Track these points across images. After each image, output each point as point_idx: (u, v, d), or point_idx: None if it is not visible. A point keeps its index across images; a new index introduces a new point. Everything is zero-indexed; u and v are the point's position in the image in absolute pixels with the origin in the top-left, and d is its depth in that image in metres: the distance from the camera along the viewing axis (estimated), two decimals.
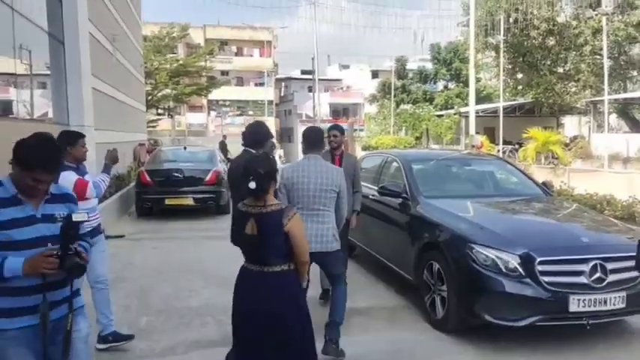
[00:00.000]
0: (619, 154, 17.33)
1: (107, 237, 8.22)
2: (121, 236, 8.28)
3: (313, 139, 4.03)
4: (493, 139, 24.23)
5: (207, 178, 10.54)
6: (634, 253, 4.10)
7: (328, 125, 5.31)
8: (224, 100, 47.68)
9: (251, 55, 50.66)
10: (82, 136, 3.93)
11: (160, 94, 34.57)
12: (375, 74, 50.83)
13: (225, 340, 4.29)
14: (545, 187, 5.80)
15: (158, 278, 6.08)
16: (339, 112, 50.25)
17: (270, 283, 2.76)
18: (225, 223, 10.27)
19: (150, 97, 31.69)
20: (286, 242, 2.75)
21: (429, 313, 4.61)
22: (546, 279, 3.91)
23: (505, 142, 23.35)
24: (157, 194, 10.23)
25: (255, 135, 3.96)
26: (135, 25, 17.97)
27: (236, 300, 2.91)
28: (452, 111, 31.92)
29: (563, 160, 18.61)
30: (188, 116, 48.01)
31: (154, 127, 36.09)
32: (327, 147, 4.82)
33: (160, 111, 39.09)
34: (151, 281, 5.95)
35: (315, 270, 3.85)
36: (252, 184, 2.73)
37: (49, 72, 8.33)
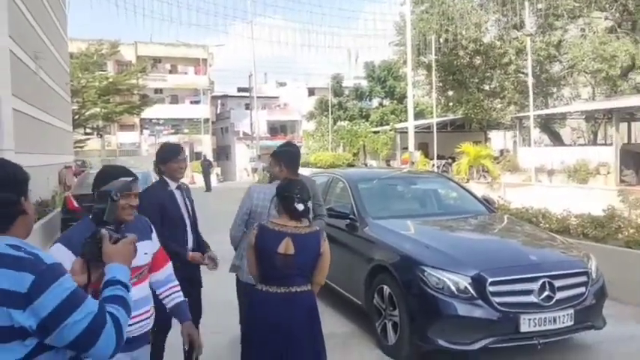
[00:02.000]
0: (544, 166, 18.24)
1: None
2: None
3: (297, 159, 3.84)
4: (427, 154, 24.96)
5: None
6: (579, 270, 4.21)
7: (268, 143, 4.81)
8: (158, 119, 46.25)
9: (186, 73, 49.59)
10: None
11: (87, 112, 33.02)
12: (311, 92, 51.27)
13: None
14: (488, 203, 5.88)
15: None
16: (276, 129, 50.10)
17: (299, 303, 2.81)
18: None
19: (77, 116, 30.18)
20: (315, 263, 2.87)
21: (381, 340, 4.48)
22: (497, 300, 3.89)
23: (439, 157, 24.10)
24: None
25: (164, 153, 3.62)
26: (60, 41, 17.05)
27: (257, 324, 2.81)
28: (387, 127, 32.65)
29: (494, 174, 19.42)
30: (119, 135, 46.15)
31: (81, 147, 34.40)
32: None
33: (88, 130, 37.34)
34: None
35: None
36: (301, 206, 2.84)
37: None
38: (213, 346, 4.57)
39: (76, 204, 9.62)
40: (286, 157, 3.76)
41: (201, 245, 3.64)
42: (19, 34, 9.98)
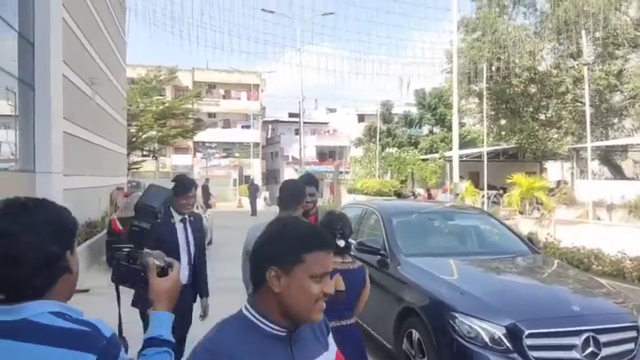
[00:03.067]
0: (603, 200, 17.25)
1: (75, 291, 7.82)
2: (86, 290, 7.76)
3: (288, 195, 3.34)
4: (477, 184, 24.21)
5: None
6: (629, 324, 3.81)
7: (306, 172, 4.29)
8: (210, 142, 47.55)
9: (238, 98, 50.96)
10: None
11: (144, 135, 34.34)
12: (361, 118, 51.38)
13: None
14: (532, 243, 5.51)
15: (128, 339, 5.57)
16: (325, 154, 50.37)
17: (348, 335, 2.83)
18: None
19: (134, 139, 31.42)
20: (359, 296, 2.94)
21: None
22: (535, 354, 3.55)
23: (489, 187, 23.31)
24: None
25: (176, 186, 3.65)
26: (118, 67, 17.85)
27: None
28: (436, 155, 32.06)
29: (548, 206, 18.51)
30: (173, 158, 47.71)
31: (137, 168, 35.67)
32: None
33: (144, 152, 38.79)
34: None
35: None
36: (342, 242, 2.87)
37: (13, 120, 8.00)
38: None
39: (120, 227, 9.82)
40: (282, 194, 3.40)
41: (200, 283, 3.74)
42: (74, 59, 10.47)
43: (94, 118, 12.84)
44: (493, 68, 22.26)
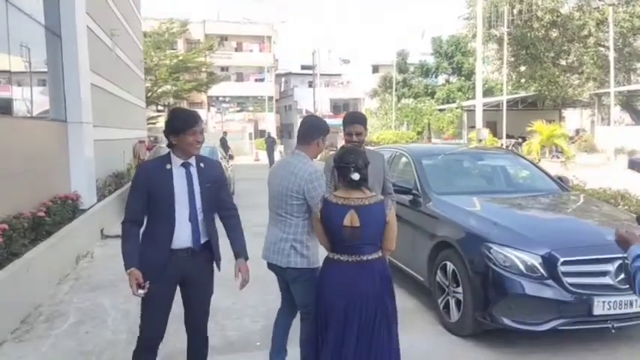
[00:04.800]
0: (624, 147, 17.10)
1: (107, 237, 8.13)
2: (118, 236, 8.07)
3: (302, 130, 3.23)
4: (495, 133, 24.04)
5: None
6: None
7: (345, 117, 3.86)
8: (224, 97, 47.40)
9: (251, 51, 50.33)
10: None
11: (159, 90, 34.33)
12: (375, 69, 50.59)
13: (228, 346, 4.11)
14: (562, 182, 5.59)
15: None
16: (339, 107, 49.99)
17: (370, 270, 2.79)
18: None
19: (150, 94, 31.45)
20: (382, 232, 2.83)
21: (443, 316, 4.40)
22: (569, 280, 3.70)
23: (508, 136, 23.14)
24: None
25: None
26: (135, 20, 17.69)
27: (331, 293, 2.81)
28: (454, 105, 31.71)
29: (568, 154, 18.41)
30: None
31: (153, 123, 35.87)
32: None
33: (160, 107, 38.87)
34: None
35: None
36: (356, 175, 2.77)
37: (46, 69, 8.09)
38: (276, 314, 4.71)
39: None
40: (299, 128, 3.30)
41: (233, 241, 2.99)
42: (96, 12, 10.44)
43: (115, 71, 12.88)
44: (514, 11, 21.66)
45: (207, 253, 2.91)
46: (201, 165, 2.87)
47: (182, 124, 2.78)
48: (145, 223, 2.85)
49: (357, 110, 46.81)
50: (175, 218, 2.77)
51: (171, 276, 2.83)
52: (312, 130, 3.21)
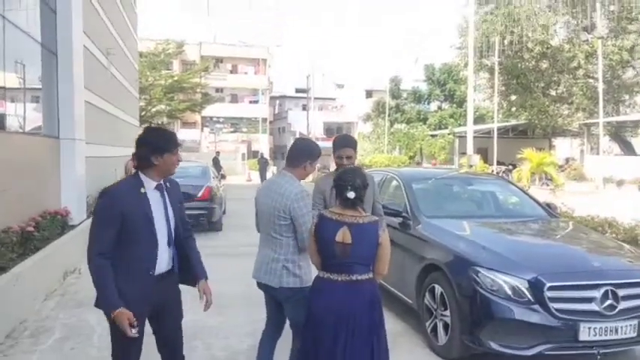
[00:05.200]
0: (612, 176, 17.32)
1: None
2: None
3: (290, 153, 3.29)
4: (486, 160, 24.28)
5: (200, 194, 10.32)
6: None
7: (335, 140, 3.89)
8: (218, 117, 47.63)
9: (245, 73, 50.82)
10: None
11: (153, 109, 34.44)
12: (369, 94, 51.16)
13: None
14: (550, 208, 5.66)
15: None
16: (332, 130, 50.28)
17: (360, 290, 2.80)
18: (217, 240, 10.07)
19: (144, 113, 31.52)
20: (374, 253, 2.82)
21: (431, 339, 4.40)
22: (556, 305, 3.73)
23: (498, 163, 23.38)
24: None
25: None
26: (131, 39, 17.87)
27: (320, 312, 2.82)
28: (446, 131, 32.05)
29: (557, 182, 18.60)
30: (181, 132, 47.80)
31: None
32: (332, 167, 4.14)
33: (153, 127, 38.92)
34: None
35: None
36: (352, 194, 2.80)
37: (40, 85, 8.14)
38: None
39: None
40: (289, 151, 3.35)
41: (193, 263, 2.89)
42: (92, 30, 10.55)
43: (109, 89, 12.96)
44: (505, 42, 22.12)
45: (176, 275, 2.82)
46: (168, 185, 2.75)
47: (168, 144, 2.65)
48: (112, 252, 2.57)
49: (349, 134, 47.07)
50: (158, 244, 2.64)
51: (150, 304, 2.67)
52: (300, 153, 3.26)
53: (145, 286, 2.60)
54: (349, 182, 2.83)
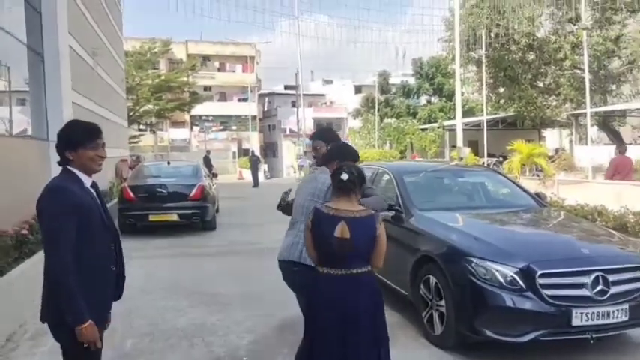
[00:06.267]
0: (602, 165, 17.48)
1: None
2: None
3: (326, 155, 3.60)
4: (477, 152, 24.41)
5: (192, 193, 10.31)
6: (635, 264, 4.06)
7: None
8: (207, 116, 47.42)
9: (233, 71, 50.56)
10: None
11: (141, 109, 34.28)
12: (358, 89, 51.16)
13: None
14: (539, 198, 5.73)
15: (143, 298, 5.83)
16: (323, 126, 50.28)
17: (361, 283, 2.82)
18: (211, 238, 10.08)
19: (132, 113, 31.36)
20: (372, 246, 2.83)
21: (427, 330, 4.46)
22: (548, 292, 3.80)
23: (489, 156, 23.52)
24: (141, 210, 9.98)
25: None
26: (116, 39, 17.76)
27: (320, 306, 2.84)
28: (435, 125, 32.18)
29: (548, 172, 18.77)
30: (170, 132, 47.62)
31: (136, 142, 35.67)
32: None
33: (142, 127, 38.71)
34: (136, 302, 5.69)
35: None
36: (345, 175, 2.83)
37: (27, 88, 8.08)
38: (265, 328, 4.69)
39: (132, 194, 10.05)
40: (339, 150, 3.58)
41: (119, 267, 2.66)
42: (78, 31, 10.48)
43: (96, 89, 12.89)
44: (492, 35, 22.21)
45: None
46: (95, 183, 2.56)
47: (82, 137, 2.41)
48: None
49: (332, 129, 47.17)
50: (113, 238, 2.54)
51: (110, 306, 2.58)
52: (333, 154, 3.50)
53: (109, 286, 2.50)
54: (344, 168, 2.91)
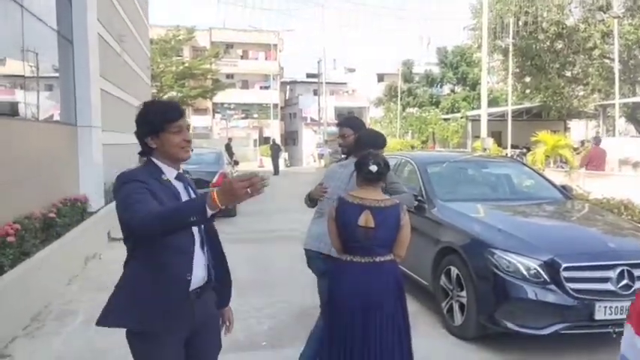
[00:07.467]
0: (629, 158, 17.10)
1: (114, 239, 8.22)
2: None
3: (357, 141, 3.52)
4: (500, 143, 24.06)
5: (214, 180, 10.44)
6: None
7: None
8: (229, 103, 47.64)
9: (256, 59, 50.60)
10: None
11: (165, 96, 34.55)
12: (380, 78, 50.72)
13: (234, 344, 4.18)
14: (565, 190, 5.65)
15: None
16: (344, 115, 50.06)
17: (384, 271, 2.84)
18: (231, 225, 10.18)
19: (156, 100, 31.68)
20: (396, 236, 2.85)
21: (447, 320, 4.46)
22: (571, 286, 3.77)
23: (512, 147, 23.16)
24: None
25: None
26: (142, 26, 17.91)
27: (343, 294, 2.86)
28: (458, 114, 31.75)
29: (573, 165, 18.42)
30: (193, 119, 47.94)
31: None
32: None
33: None
34: None
35: None
36: (374, 167, 2.83)
37: (57, 74, 8.23)
38: (284, 315, 4.76)
39: None
40: (370, 137, 3.57)
41: (224, 281, 2.25)
42: (106, 18, 10.61)
43: (123, 76, 13.05)
44: (520, 23, 21.77)
45: (212, 291, 2.19)
46: (187, 174, 2.20)
47: (163, 119, 2.01)
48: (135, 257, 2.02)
49: (357, 117, 46.81)
50: (194, 242, 2.03)
51: (184, 328, 2.04)
52: (364, 142, 3.42)
53: (180, 301, 1.98)
54: (371, 158, 2.88)
